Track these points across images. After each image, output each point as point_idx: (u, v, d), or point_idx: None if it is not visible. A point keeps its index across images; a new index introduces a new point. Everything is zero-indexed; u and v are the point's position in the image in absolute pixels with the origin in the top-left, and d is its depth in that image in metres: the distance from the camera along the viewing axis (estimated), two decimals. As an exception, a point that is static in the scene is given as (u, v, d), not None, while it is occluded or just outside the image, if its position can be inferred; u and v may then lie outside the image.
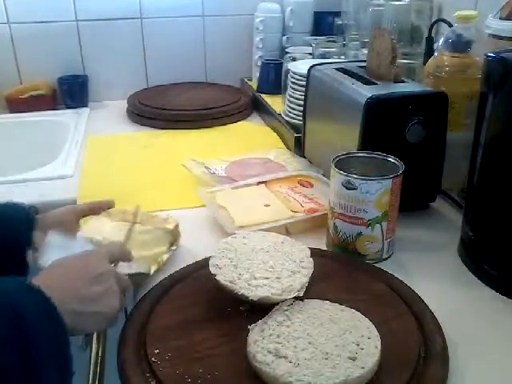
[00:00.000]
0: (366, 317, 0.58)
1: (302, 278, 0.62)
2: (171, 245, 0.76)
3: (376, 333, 0.55)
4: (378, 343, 0.54)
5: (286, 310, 0.59)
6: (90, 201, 0.81)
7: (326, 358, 0.51)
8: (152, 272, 0.70)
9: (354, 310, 0.59)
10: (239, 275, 0.62)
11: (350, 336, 0.55)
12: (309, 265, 0.65)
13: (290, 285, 0.61)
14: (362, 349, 0.53)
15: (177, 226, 0.78)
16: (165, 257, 0.73)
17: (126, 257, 0.65)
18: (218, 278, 0.62)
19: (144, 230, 0.77)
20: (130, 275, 0.63)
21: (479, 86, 0.68)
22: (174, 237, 0.77)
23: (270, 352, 0.52)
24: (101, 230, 0.75)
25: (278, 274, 0.63)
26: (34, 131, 1.35)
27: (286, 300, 0.60)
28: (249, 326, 0.57)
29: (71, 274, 0.54)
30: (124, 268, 0.65)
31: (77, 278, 0.53)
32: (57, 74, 1.45)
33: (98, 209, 0.79)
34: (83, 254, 0.59)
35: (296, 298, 0.60)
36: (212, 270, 0.63)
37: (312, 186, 0.93)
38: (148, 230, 0.77)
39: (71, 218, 0.76)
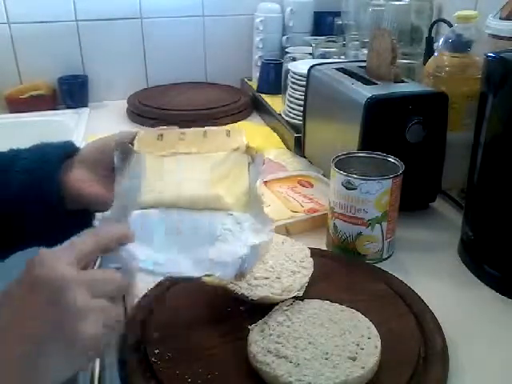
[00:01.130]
0: (366, 317, 0.58)
1: (301, 278, 0.62)
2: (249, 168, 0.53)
3: (376, 333, 0.55)
4: (378, 343, 0.54)
5: (286, 310, 0.58)
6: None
7: (326, 358, 0.51)
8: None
9: (353, 310, 0.59)
10: (239, 275, 0.62)
11: (349, 336, 0.54)
12: (309, 265, 0.65)
13: (289, 285, 0.61)
14: (362, 349, 0.53)
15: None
16: (257, 187, 0.52)
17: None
18: (218, 277, 0.61)
19: (216, 159, 0.50)
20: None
21: (479, 86, 0.68)
22: (250, 154, 0.54)
23: (270, 352, 0.52)
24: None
25: (277, 273, 0.62)
26: (33, 131, 1.34)
27: (285, 300, 0.60)
28: (249, 326, 0.57)
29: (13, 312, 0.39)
30: (238, 242, 0.45)
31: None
32: (57, 74, 1.45)
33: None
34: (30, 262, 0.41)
35: (296, 297, 0.60)
36: (212, 269, 0.63)
37: (312, 186, 0.93)
38: (219, 158, 0.51)
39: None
